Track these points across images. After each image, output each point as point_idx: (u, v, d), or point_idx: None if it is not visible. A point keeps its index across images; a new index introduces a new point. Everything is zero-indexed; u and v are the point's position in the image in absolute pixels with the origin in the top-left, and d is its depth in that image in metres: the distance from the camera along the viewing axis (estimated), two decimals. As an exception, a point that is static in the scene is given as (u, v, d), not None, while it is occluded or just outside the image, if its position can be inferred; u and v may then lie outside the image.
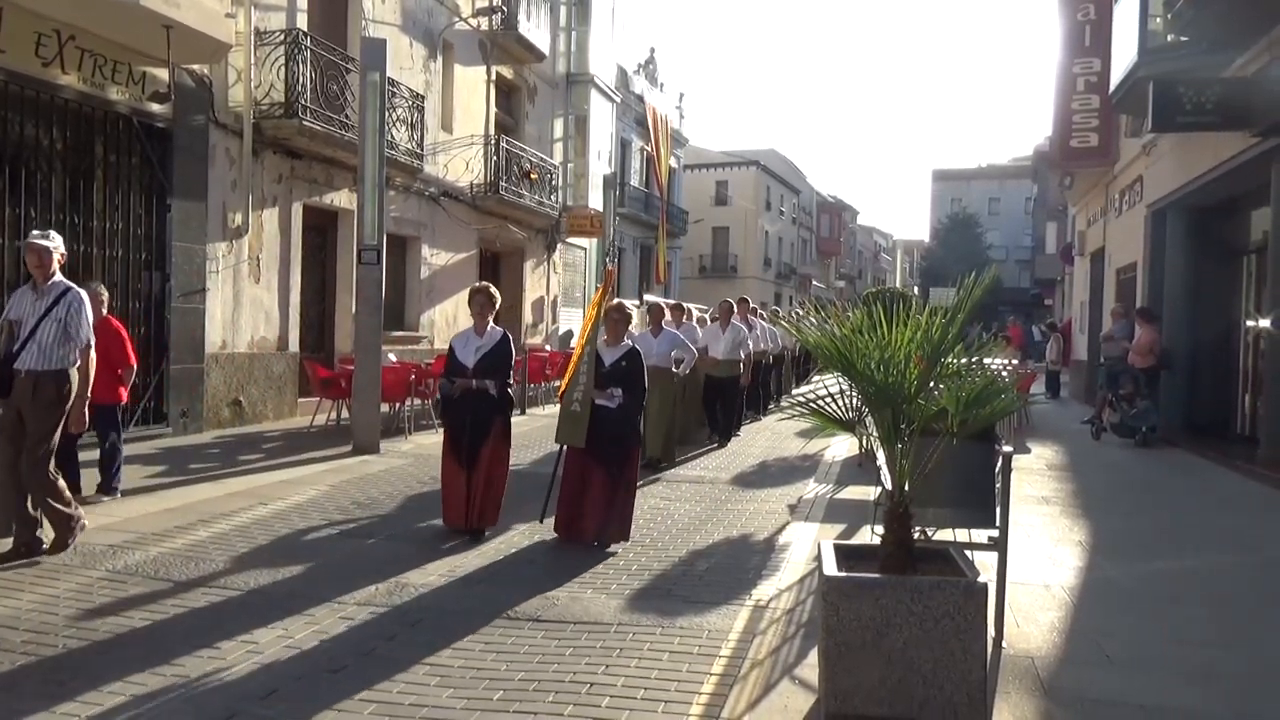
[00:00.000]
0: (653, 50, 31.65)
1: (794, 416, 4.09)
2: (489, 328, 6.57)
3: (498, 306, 6.66)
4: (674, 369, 9.66)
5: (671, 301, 12.94)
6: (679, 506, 7.77)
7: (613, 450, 6.21)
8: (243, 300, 11.85)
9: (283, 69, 11.80)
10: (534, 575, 5.60)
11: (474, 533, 6.39)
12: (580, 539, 6.21)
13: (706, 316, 13.67)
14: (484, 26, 17.80)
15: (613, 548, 6.25)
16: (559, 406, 6.49)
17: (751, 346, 12.08)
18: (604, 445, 6.16)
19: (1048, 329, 23.50)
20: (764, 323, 14.72)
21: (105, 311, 7.18)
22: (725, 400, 11.59)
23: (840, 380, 3.93)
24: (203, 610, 4.78)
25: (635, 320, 6.32)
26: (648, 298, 20.35)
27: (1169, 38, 11.43)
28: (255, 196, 11.95)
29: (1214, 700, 3.90)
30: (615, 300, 6.67)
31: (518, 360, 13.97)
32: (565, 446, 6.39)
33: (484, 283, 6.73)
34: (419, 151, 14.66)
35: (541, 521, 6.68)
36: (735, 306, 11.97)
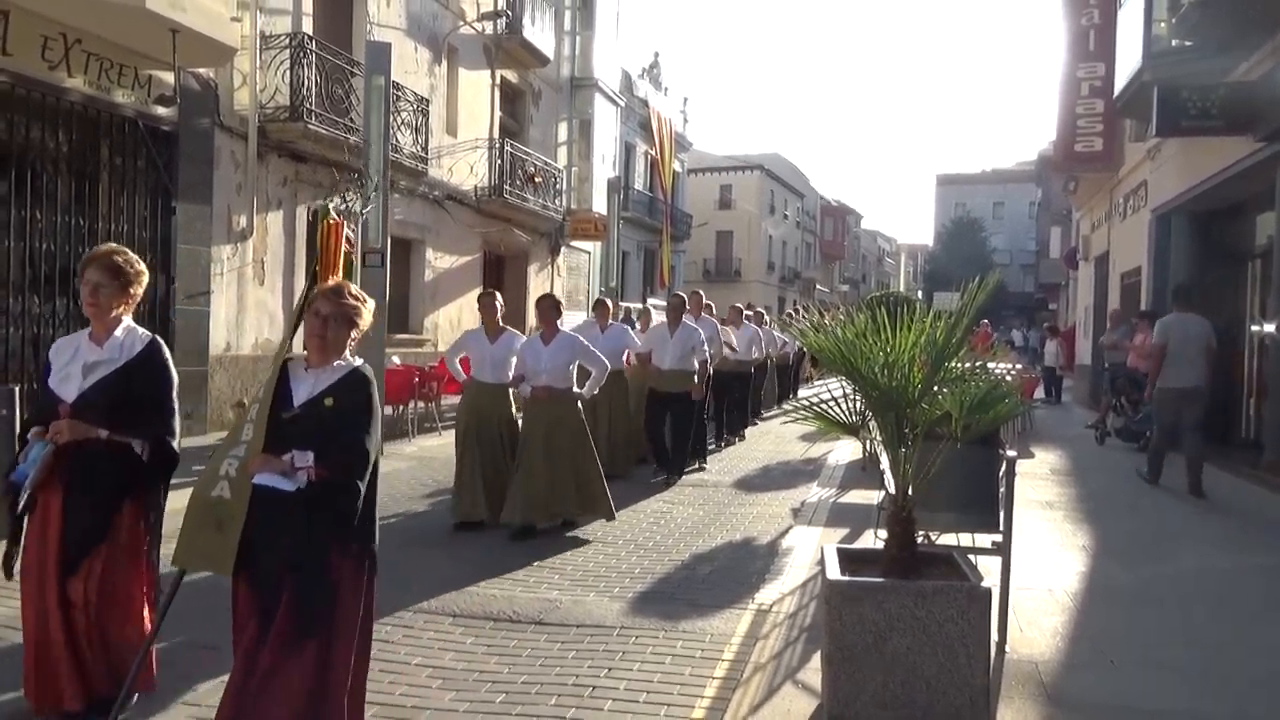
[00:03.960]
0: (657, 54, 31.69)
1: (798, 420, 4.08)
2: (120, 329, 3.52)
3: (137, 292, 3.58)
4: (575, 389, 6.98)
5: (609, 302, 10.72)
6: (681, 510, 7.77)
7: (293, 581, 2.90)
8: (247, 303, 11.87)
9: (288, 73, 11.82)
10: (537, 578, 5.61)
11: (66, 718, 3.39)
12: None
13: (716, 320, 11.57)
14: (488, 31, 17.83)
15: (614, 549, 6.23)
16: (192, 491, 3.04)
17: (709, 352, 9.52)
18: (274, 572, 2.92)
19: (1048, 332, 23.39)
20: (751, 324, 13.14)
21: None
22: (675, 422, 9.05)
23: (844, 384, 3.93)
24: (202, 612, 4.78)
25: (365, 322, 3.14)
26: (653, 302, 20.24)
27: (1173, 42, 11.42)
28: (260, 199, 11.97)
29: (1218, 705, 3.89)
30: (331, 281, 3.34)
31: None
32: (185, 572, 3.14)
33: (109, 244, 3.59)
34: (423, 155, 14.68)
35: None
36: (687, 302, 9.81)
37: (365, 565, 3.06)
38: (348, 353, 3.11)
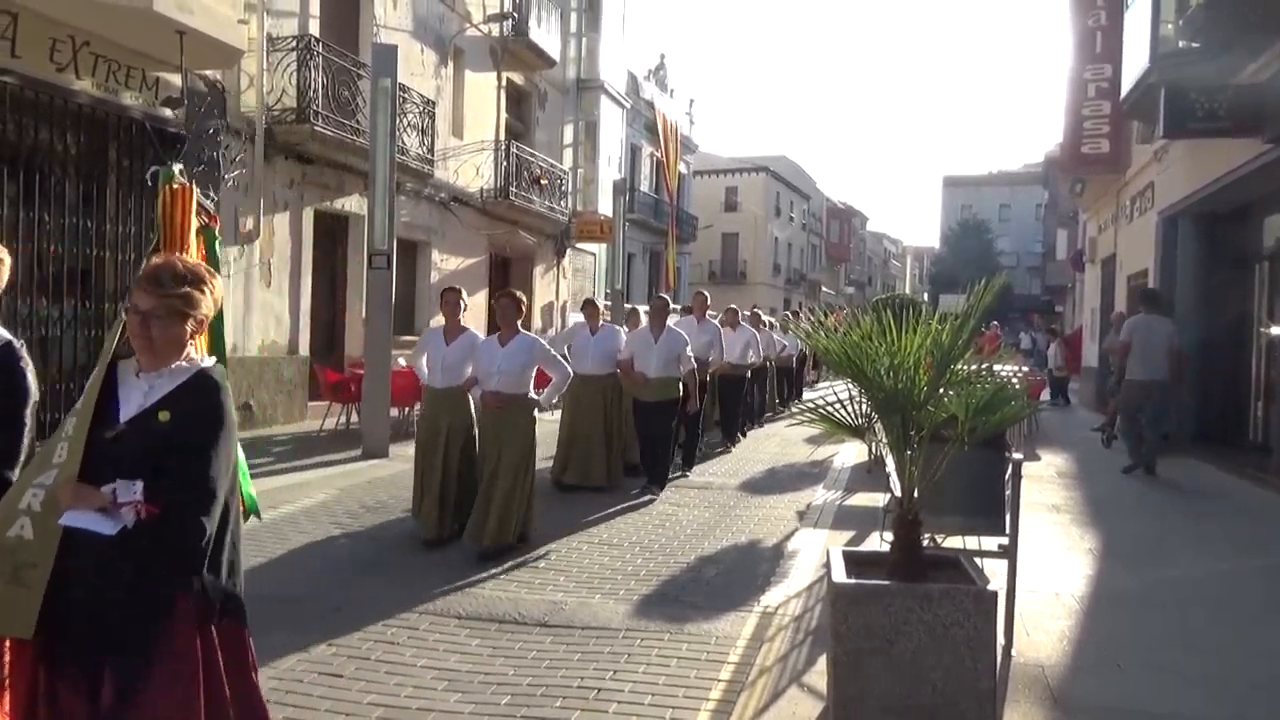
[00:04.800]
0: (663, 56, 31.83)
1: (803, 422, 4.08)
2: None
3: None
4: (532, 396, 6.37)
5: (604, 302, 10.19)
6: (687, 513, 7.76)
7: (118, 656, 2.19)
8: (253, 304, 11.90)
9: (295, 75, 11.86)
10: (542, 580, 5.61)
11: None
12: None
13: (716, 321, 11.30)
14: (495, 33, 17.87)
15: (619, 552, 6.24)
16: None
17: (696, 359, 8.88)
18: (90, 640, 2.20)
19: (1049, 334, 23.29)
20: (748, 327, 12.50)
21: None
22: (658, 433, 8.51)
23: (849, 386, 3.93)
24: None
25: (207, 308, 2.41)
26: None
27: (1180, 43, 11.39)
28: (267, 201, 12.01)
29: (1224, 708, 3.88)
30: (157, 258, 2.62)
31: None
32: None
33: None
34: (429, 157, 14.71)
35: None
36: (670, 303, 9.27)
37: (222, 625, 2.30)
38: (192, 349, 2.36)
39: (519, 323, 6.38)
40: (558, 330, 21.89)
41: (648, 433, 8.53)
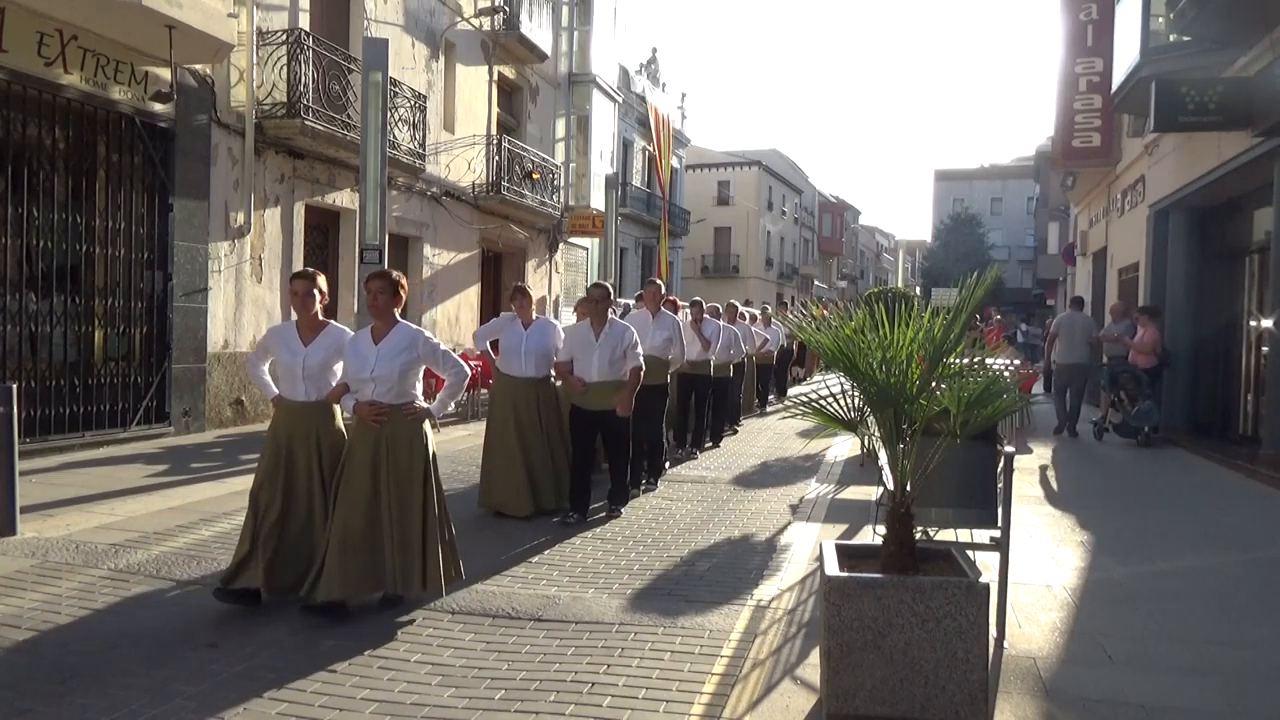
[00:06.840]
0: (655, 50, 31.69)
1: (796, 416, 4.08)
2: None
3: None
4: (420, 403, 4.92)
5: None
6: (680, 507, 7.77)
7: None
8: (245, 299, 11.86)
9: (285, 69, 11.81)
10: (535, 575, 5.61)
11: None
12: None
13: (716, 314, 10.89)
14: (486, 26, 17.82)
15: (612, 546, 6.23)
16: None
17: (653, 358, 7.80)
18: None
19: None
20: (720, 321, 11.34)
21: None
22: (612, 443, 7.30)
23: (842, 379, 3.93)
24: (204, 609, 4.78)
25: None
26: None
27: (1171, 37, 11.44)
28: (257, 196, 11.96)
29: (1215, 699, 3.90)
30: None
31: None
32: None
33: None
34: (421, 151, 14.66)
35: None
36: (611, 293, 7.48)
37: None
38: None
39: (398, 311, 4.95)
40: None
41: (586, 449, 7.18)
